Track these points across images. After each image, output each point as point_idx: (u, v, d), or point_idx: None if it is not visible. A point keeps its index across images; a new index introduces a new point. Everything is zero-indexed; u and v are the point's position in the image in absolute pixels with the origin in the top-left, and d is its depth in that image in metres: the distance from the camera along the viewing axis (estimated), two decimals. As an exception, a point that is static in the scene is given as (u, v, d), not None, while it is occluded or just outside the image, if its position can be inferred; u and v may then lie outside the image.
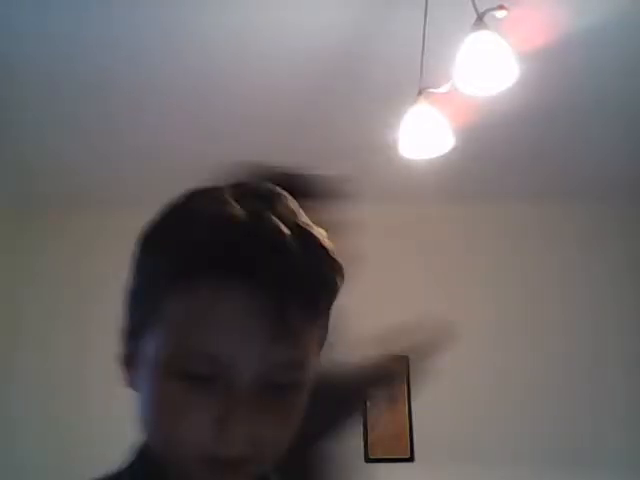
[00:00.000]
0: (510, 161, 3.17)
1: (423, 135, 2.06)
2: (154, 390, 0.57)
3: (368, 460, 3.24)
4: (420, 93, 2.05)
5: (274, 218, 0.56)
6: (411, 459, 3.25)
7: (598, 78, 2.58)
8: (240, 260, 0.54)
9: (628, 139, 3.02)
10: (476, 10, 1.80)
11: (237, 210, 0.56)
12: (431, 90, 2.03)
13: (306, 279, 0.55)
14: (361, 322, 3.64)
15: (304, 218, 0.59)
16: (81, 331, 3.27)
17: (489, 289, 3.48)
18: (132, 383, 0.61)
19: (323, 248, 0.57)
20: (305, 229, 0.57)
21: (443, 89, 1.97)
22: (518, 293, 3.47)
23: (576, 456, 3.24)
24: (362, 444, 3.25)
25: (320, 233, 0.58)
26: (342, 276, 0.59)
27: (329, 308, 0.60)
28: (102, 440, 3.03)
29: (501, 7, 1.79)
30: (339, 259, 0.58)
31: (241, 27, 2.26)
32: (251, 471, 0.57)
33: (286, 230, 0.55)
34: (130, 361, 0.61)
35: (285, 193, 0.60)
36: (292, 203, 0.59)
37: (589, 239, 3.56)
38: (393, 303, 3.42)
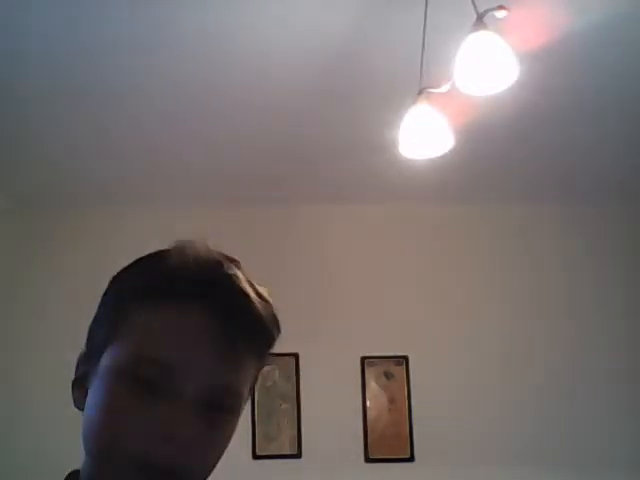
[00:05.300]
0: (510, 161, 3.17)
1: (423, 135, 2.06)
2: (105, 393, 0.62)
3: (368, 460, 3.24)
4: (420, 93, 2.05)
5: (234, 267, 0.66)
6: (411, 459, 3.25)
7: (598, 78, 2.58)
8: (206, 291, 0.62)
9: (628, 139, 3.01)
10: (476, 10, 1.80)
11: (205, 252, 0.66)
12: (431, 90, 2.03)
13: (256, 322, 0.64)
14: (361, 322, 3.64)
15: (252, 279, 0.68)
16: (80, 331, 3.26)
17: (489, 289, 3.48)
18: (81, 402, 0.65)
19: (269, 303, 0.67)
20: (255, 285, 0.67)
21: (443, 89, 1.96)
22: (518, 293, 3.47)
23: (576, 456, 3.24)
24: (362, 444, 3.25)
25: (265, 291, 0.68)
26: (279, 331, 0.68)
27: (264, 357, 0.68)
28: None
29: (501, 7, 1.79)
30: (278, 316, 0.68)
31: (240, 27, 2.26)
32: None
33: (244, 278, 0.65)
34: (84, 381, 0.66)
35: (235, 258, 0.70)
36: (242, 267, 0.69)
37: (590, 239, 3.56)
38: (393, 303, 3.42)
